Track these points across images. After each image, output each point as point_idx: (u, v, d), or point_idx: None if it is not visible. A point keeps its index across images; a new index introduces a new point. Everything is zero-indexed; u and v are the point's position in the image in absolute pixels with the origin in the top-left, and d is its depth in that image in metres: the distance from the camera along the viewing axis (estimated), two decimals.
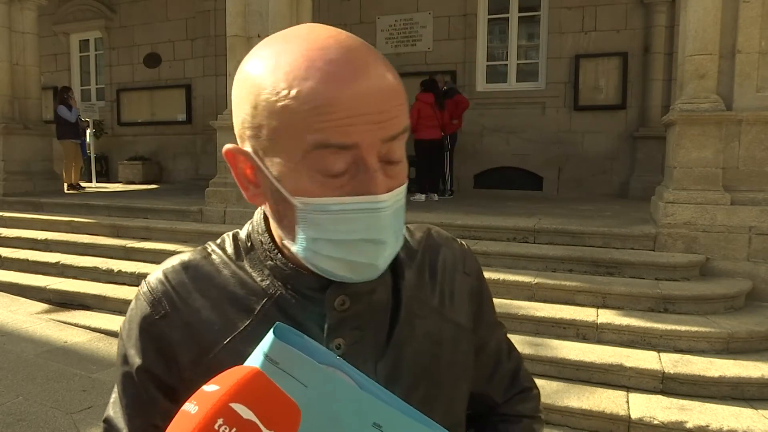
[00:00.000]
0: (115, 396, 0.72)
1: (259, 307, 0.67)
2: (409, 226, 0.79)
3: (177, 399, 0.62)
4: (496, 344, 0.83)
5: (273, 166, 0.60)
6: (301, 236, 0.61)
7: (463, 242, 0.83)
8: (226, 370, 0.52)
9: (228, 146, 0.64)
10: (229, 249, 0.72)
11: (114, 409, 0.71)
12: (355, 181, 0.58)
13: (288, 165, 0.58)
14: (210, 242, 0.75)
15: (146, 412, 0.68)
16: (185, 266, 0.71)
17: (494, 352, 0.82)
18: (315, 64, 0.56)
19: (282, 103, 0.56)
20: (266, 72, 0.58)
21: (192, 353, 0.66)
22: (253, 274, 0.69)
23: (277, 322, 0.57)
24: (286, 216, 0.62)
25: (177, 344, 0.67)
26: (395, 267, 0.72)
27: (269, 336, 0.54)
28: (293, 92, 0.56)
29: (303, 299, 0.66)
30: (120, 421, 0.70)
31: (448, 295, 0.75)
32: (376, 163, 0.58)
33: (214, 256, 0.72)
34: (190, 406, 0.47)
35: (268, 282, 0.68)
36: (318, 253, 0.60)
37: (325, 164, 0.57)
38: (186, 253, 0.74)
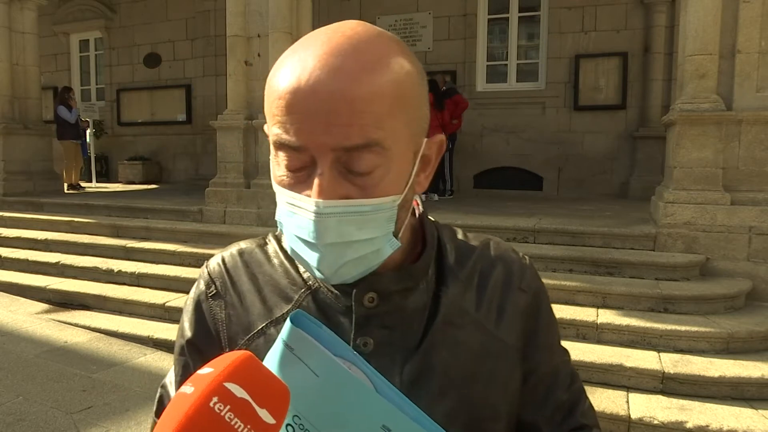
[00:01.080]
0: (173, 365, 0.78)
1: (297, 296, 0.70)
2: (468, 234, 0.78)
3: None
4: (551, 370, 0.75)
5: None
6: (278, 220, 0.64)
7: (527, 258, 0.78)
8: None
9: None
10: (285, 241, 0.75)
11: (170, 376, 0.78)
12: (310, 178, 0.58)
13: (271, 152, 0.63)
14: (271, 233, 0.78)
15: None
16: (241, 252, 0.76)
17: (548, 377, 0.75)
18: (295, 55, 0.58)
19: (266, 89, 0.61)
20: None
21: (232, 332, 0.71)
22: (299, 266, 0.71)
23: (297, 310, 0.60)
24: None
25: (221, 322, 0.72)
26: (440, 274, 0.71)
27: (287, 322, 0.58)
28: (271, 80, 0.60)
29: (338, 294, 0.68)
30: (172, 387, 0.76)
31: (497, 310, 0.71)
32: (327, 167, 0.57)
33: (269, 246, 0.76)
34: (186, 388, 0.49)
35: (309, 274, 0.70)
36: (289, 244, 0.63)
37: (284, 158, 0.60)
38: (246, 240, 0.79)
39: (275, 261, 0.74)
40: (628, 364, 3.45)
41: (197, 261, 5.43)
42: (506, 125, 8.92)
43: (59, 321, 4.83)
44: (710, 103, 4.47)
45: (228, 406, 0.47)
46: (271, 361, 0.58)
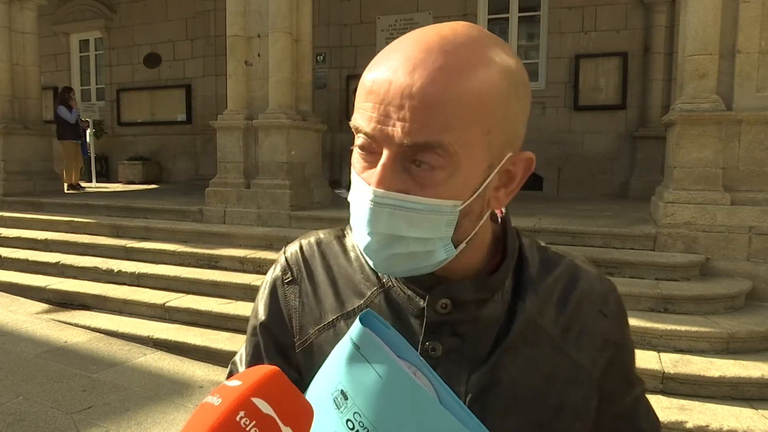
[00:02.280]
0: (244, 343, 0.79)
1: (370, 293, 0.70)
2: (552, 248, 0.76)
3: (287, 358, 0.72)
4: (632, 402, 0.74)
5: None
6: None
7: (610, 280, 0.76)
8: (327, 349, 0.60)
9: None
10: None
11: (240, 354, 0.79)
12: (376, 163, 0.59)
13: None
14: (349, 225, 0.75)
15: (261, 362, 0.73)
16: (318, 242, 0.77)
17: (629, 410, 0.73)
18: (390, 48, 0.60)
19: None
20: None
21: (303, 320, 0.72)
22: None
23: (367, 309, 0.60)
24: None
25: (294, 309, 0.73)
26: (517, 286, 0.69)
27: (356, 321, 0.58)
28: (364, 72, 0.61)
29: (410, 296, 0.67)
30: (241, 366, 0.78)
31: (576, 331, 0.68)
32: (390, 159, 0.57)
33: (347, 239, 0.76)
34: (213, 399, 0.49)
35: None
36: (352, 224, 0.64)
37: (357, 141, 0.61)
38: (325, 230, 0.80)
39: (351, 254, 0.74)
40: None
41: (197, 261, 5.43)
42: None
43: (59, 321, 4.83)
44: (710, 103, 4.47)
45: (254, 422, 0.47)
46: (337, 356, 0.59)
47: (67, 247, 6.20)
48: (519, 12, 9.00)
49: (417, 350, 0.62)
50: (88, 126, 10.27)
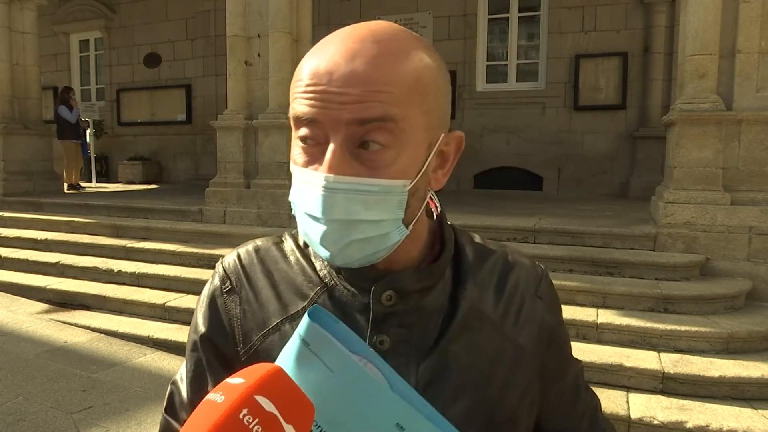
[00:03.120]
0: (185, 360, 0.77)
1: (313, 293, 0.70)
2: (485, 239, 0.79)
3: (231, 370, 0.66)
4: (573, 379, 0.79)
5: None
6: (291, 200, 0.65)
7: (543, 266, 0.80)
8: (259, 360, 0.57)
9: None
10: (300, 239, 0.76)
11: (181, 373, 0.77)
12: (323, 155, 0.60)
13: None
14: (287, 231, 0.79)
15: (203, 378, 0.73)
16: (257, 249, 0.77)
17: (572, 387, 0.78)
18: (322, 44, 0.62)
19: (294, 76, 0.63)
20: None
21: (247, 328, 0.71)
22: (315, 263, 0.72)
23: (315, 305, 0.60)
24: None
25: (236, 318, 0.72)
26: (458, 273, 0.72)
27: (305, 317, 0.57)
28: (299, 65, 0.63)
29: (355, 291, 0.68)
30: (183, 384, 0.76)
31: (514, 314, 0.72)
32: (339, 144, 0.59)
33: (285, 244, 0.77)
34: (215, 396, 0.49)
35: (325, 271, 0.71)
36: (300, 226, 0.65)
37: (298, 133, 0.62)
38: (262, 238, 0.80)
39: (291, 258, 0.74)
40: (628, 364, 3.45)
41: (197, 261, 5.43)
42: (506, 125, 8.92)
43: (59, 321, 4.83)
44: (710, 103, 4.47)
45: (257, 419, 0.47)
46: (287, 357, 0.59)
47: (67, 247, 6.20)
48: (519, 12, 9.00)
49: None
50: (88, 126, 10.27)
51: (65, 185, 9.19)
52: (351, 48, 0.59)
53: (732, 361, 3.47)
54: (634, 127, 8.33)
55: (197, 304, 0.78)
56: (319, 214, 0.60)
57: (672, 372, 3.36)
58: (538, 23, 8.90)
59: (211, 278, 0.77)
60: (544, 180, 8.87)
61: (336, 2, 9.70)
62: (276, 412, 0.48)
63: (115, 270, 5.47)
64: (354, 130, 0.58)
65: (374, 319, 0.66)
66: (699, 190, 4.52)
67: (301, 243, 0.75)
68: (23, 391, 3.52)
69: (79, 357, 4.09)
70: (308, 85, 0.59)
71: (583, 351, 3.63)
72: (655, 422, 3.06)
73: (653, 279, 4.31)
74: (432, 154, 0.64)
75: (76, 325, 4.73)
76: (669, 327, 3.70)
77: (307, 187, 0.61)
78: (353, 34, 0.61)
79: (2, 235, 6.74)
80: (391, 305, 0.66)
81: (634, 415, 3.10)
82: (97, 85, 12.36)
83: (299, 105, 0.60)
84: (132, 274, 5.36)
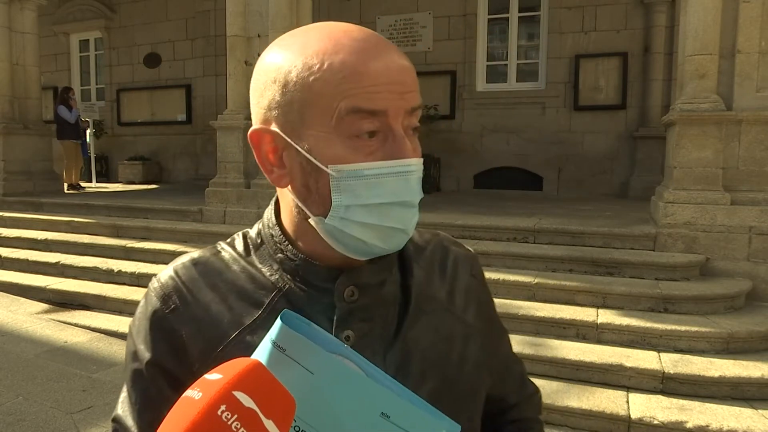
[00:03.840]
0: (124, 395, 0.71)
1: (268, 300, 0.68)
2: (417, 228, 0.80)
3: None
4: (505, 347, 0.87)
5: (304, 141, 0.63)
6: (334, 206, 0.63)
7: (470, 248, 0.86)
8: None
9: (253, 128, 0.68)
10: (239, 246, 0.74)
11: (123, 408, 0.71)
12: (384, 147, 0.62)
13: (321, 135, 0.62)
14: (220, 242, 0.76)
15: (156, 407, 0.67)
16: (195, 262, 0.73)
17: (505, 355, 0.86)
18: (342, 41, 0.62)
19: (314, 76, 0.61)
20: (295, 53, 0.63)
21: (201, 346, 0.67)
22: (262, 269, 0.70)
23: (285, 309, 0.58)
24: (317, 190, 0.64)
25: (187, 337, 0.68)
26: (403, 263, 0.74)
27: (277, 322, 0.56)
28: (325, 65, 0.61)
29: (312, 291, 0.68)
30: (129, 418, 0.70)
31: (458, 294, 0.77)
32: (402, 131, 0.63)
33: (223, 253, 0.74)
34: (193, 393, 0.48)
35: (277, 276, 0.69)
36: (351, 221, 0.63)
37: (357, 128, 0.61)
38: (196, 252, 0.76)
39: (235, 267, 0.71)
40: (628, 364, 3.45)
41: None
42: (506, 125, 8.92)
43: (59, 321, 4.83)
44: (710, 103, 4.47)
45: (235, 415, 0.46)
46: None
47: (67, 247, 6.20)
48: (519, 12, 9.00)
49: None
50: (88, 126, 10.27)
51: (65, 185, 9.20)
52: (383, 43, 0.64)
53: (732, 361, 3.47)
54: (634, 127, 8.33)
55: (131, 330, 0.72)
56: (414, 199, 0.64)
57: (672, 372, 3.36)
58: (538, 23, 8.90)
59: (145, 301, 0.72)
60: (544, 180, 8.87)
61: (336, 2, 9.70)
62: (255, 408, 0.47)
63: (115, 270, 5.47)
64: (404, 118, 0.64)
65: (339, 315, 0.66)
66: (699, 190, 4.52)
67: (240, 250, 0.73)
68: (23, 391, 3.52)
69: (79, 357, 4.09)
70: (367, 78, 0.61)
71: (583, 351, 3.63)
72: (655, 422, 3.06)
73: (653, 279, 4.31)
74: None
75: (76, 325, 4.73)
76: (669, 327, 3.70)
77: (390, 179, 0.63)
78: (360, 32, 0.64)
79: (2, 235, 6.74)
80: (353, 300, 0.67)
81: (634, 415, 3.10)
82: (97, 85, 12.36)
83: (358, 100, 0.61)
84: (132, 274, 5.36)
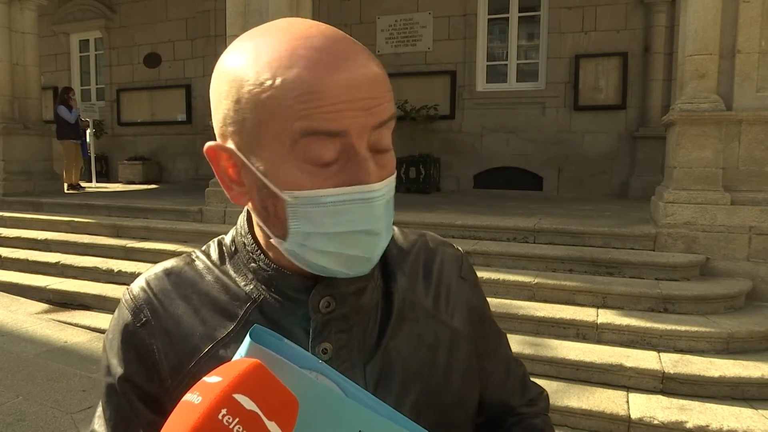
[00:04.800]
0: (99, 409, 0.69)
1: (242, 312, 0.65)
2: (402, 228, 0.78)
3: (160, 409, 0.62)
4: (504, 350, 0.83)
5: (259, 161, 0.58)
6: (292, 232, 0.59)
7: (459, 248, 0.82)
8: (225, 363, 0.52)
9: (209, 144, 0.63)
10: (214, 254, 0.71)
11: (98, 422, 0.69)
12: (345, 170, 0.57)
13: (275, 157, 0.57)
14: (195, 249, 0.73)
15: (129, 424, 0.66)
16: (168, 273, 0.70)
17: (503, 358, 0.82)
18: (298, 52, 0.55)
19: (267, 93, 0.55)
20: (248, 64, 0.57)
21: (173, 361, 0.65)
22: (236, 278, 0.68)
23: (255, 325, 0.55)
24: (275, 213, 0.60)
25: (158, 352, 0.65)
26: (386, 268, 0.71)
27: (246, 339, 0.53)
28: (278, 81, 0.54)
29: (287, 302, 0.65)
30: None
31: (444, 299, 0.73)
32: (367, 152, 0.57)
33: (197, 263, 0.71)
34: (192, 397, 0.47)
35: (251, 286, 0.66)
36: (311, 249, 0.59)
37: (314, 153, 0.56)
38: (170, 261, 0.72)
39: (209, 278, 0.69)
40: (628, 364, 3.45)
41: None
42: (506, 125, 8.92)
43: (59, 321, 4.83)
44: (710, 103, 4.47)
45: (237, 419, 0.45)
46: None
47: (67, 247, 6.20)
48: (519, 12, 9.00)
49: None
50: (88, 126, 10.27)
51: (65, 185, 9.19)
52: (344, 48, 0.56)
53: (732, 361, 3.47)
54: (634, 127, 8.33)
55: (105, 344, 0.70)
56: (377, 227, 0.58)
57: (672, 372, 3.36)
58: (538, 23, 8.90)
59: (118, 313, 0.69)
60: (544, 180, 8.87)
61: (336, 2, 9.70)
62: (257, 410, 0.46)
63: (115, 270, 5.47)
64: (371, 134, 0.57)
65: (315, 328, 0.63)
66: (699, 190, 4.52)
67: (215, 258, 0.70)
68: (23, 391, 3.52)
69: (79, 357, 4.09)
70: (325, 95, 0.54)
71: (583, 351, 3.63)
72: (655, 422, 3.06)
73: (653, 279, 4.31)
74: None
75: (76, 325, 4.73)
76: (669, 327, 3.70)
77: (350, 206, 0.57)
78: (322, 36, 0.57)
79: (2, 235, 6.74)
80: (329, 311, 0.64)
81: (634, 415, 3.10)
82: (97, 85, 12.36)
83: (315, 121, 0.54)
84: (132, 274, 5.35)
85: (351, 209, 0.57)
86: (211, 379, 0.48)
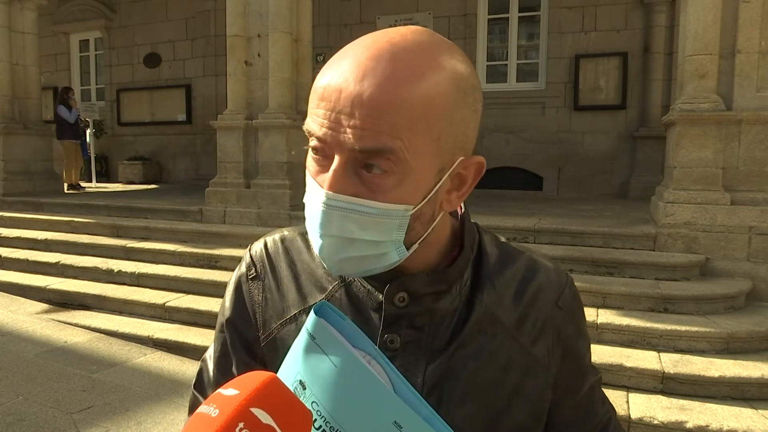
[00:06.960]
0: (213, 339, 0.81)
1: (331, 287, 0.71)
2: (511, 243, 0.78)
3: (253, 352, 0.75)
4: (588, 391, 0.78)
5: None
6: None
7: (568, 274, 0.79)
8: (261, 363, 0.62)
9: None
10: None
11: (209, 351, 0.81)
12: (328, 167, 0.59)
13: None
14: None
15: (228, 359, 0.77)
16: (283, 239, 0.79)
17: (587, 400, 0.77)
18: (342, 53, 0.60)
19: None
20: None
21: (267, 315, 0.74)
22: None
23: (322, 301, 0.62)
24: None
25: (258, 304, 0.75)
26: (477, 278, 0.70)
27: (311, 313, 0.60)
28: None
29: (370, 290, 0.69)
30: (210, 362, 0.80)
31: (531, 322, 0.71)
32: (341, 163, 0.57)
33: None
34: (209, 409, 0.47)
35: None
36: (307, 227, 0.64)
37: (311, 143, 0.61)
38: (290, 228, 0.81)
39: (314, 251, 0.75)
40: (628, 364, 3.45)
41: (197, 261, 5.43)
42: (506, 125, 8.92)
43: (59, 321, 4.83)
44: (710, 103, 4.47)
45: None
46: (296, 348, 0.61)
47: (67, 247, 6.20)
48: (519, 12, 9.00)
49: (376, 343, 0.64)
50: (88, 126, 10.26)
51: (65, 185, 9.19)
52: (364, 65, 0.56)
53: (732, 361, 3.47)
54: (634, 127, 8.33)
55: (227, 288, 0.80)
56: (317, 228, 0.60)
57: (672, 372, 3.36)
58: (538, 23, 8.90)
59: (240, 264, 0.80)
60: (544, 180, 8.87)
61: (336, 2, 9.70)
62: (273, 424, 0.47)
63: (115, 270, 5.46)
64: (356, 154, 0.57)
65: (386, 318, 0.66)
66: (699, 190, 4.52)
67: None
68: (23, 391, 3.52)
69: (79, 357, 4.09)
70: (320, 100, 0.58)
71: None
72: (655, 422, 3.05)
73: (653, 279, 4.31)
74: (444, 179, 0.62)
75: (76, 325, 4.73)
76: (669, 327, 3.70)
77: (312, 198, 0.61)
78: (372, 46, 0.58)
79: (2, 235, 6.74)
80: (403, 306, 0.66)
81: (634, 415, 3.10)
82: (97, 85, 12.36)
83: (311, 121, 0.60)
84: (132, 274, 5.36)
85: (310, 201, 0.62)
86: (228, 391, 0.48)
